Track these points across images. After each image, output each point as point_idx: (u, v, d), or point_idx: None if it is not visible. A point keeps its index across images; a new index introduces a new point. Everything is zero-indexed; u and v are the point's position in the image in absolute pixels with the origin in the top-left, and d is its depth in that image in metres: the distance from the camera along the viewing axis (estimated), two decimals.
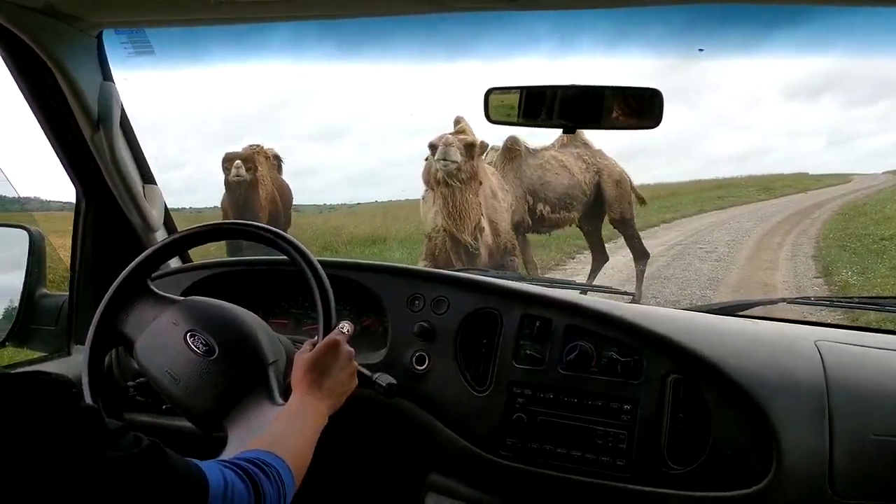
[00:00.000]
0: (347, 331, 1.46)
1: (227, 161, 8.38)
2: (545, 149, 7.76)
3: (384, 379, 1.52)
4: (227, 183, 8.39)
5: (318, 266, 1.51)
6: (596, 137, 8.15)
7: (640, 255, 8.09)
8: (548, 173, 7.53)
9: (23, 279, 1.99)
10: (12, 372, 0.78)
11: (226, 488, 0.94)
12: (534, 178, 7.44)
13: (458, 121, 7.01)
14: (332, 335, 1.40)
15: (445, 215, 6.31)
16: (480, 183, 6.50)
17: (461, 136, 6.26)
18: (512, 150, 7.41)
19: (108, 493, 0.79)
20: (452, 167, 6.14)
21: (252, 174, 8.35)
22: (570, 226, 8.14)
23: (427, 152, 6.63)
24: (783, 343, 1.54)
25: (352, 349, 1.40)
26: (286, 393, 1.35)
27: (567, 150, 7.83)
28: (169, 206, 2.12)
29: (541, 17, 1.52)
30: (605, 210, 7.93)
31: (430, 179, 6.48)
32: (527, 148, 7.53)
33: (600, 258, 8.45)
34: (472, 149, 6.25)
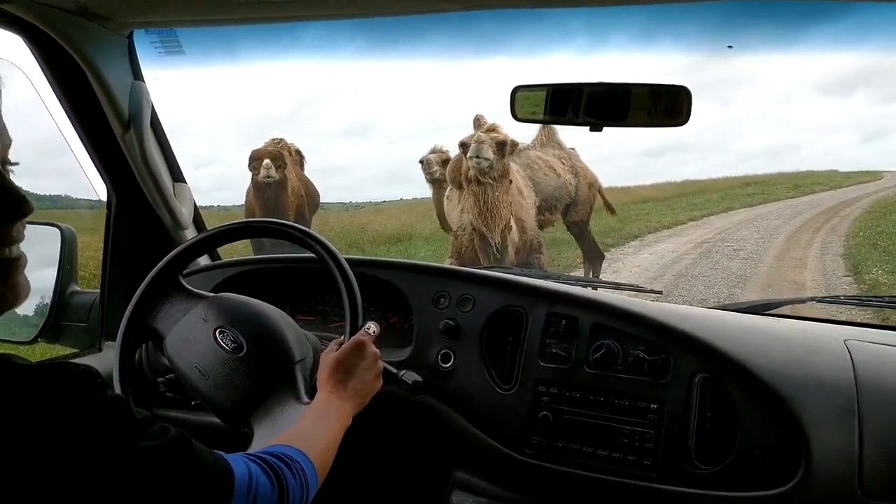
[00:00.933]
0: (374, 331, 1.46)
1: (255, 160, 8.15)
2: (527, 149, 7.87)
3: (410, 376, 1.53)
4: (255, 183, 8.20)
5: (346, 265, 1.52)
6: (569, 137, 8.26)
7: (597, 256, 8.37)
8: (537, 173, 7.64)
9: (55, 276, 2.02)
10: (41, 362, 0.79)
11: (250, 481, 0.95)
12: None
13: (477, 119, 7.03)
14: (359, 335, 1.40)
15: (476, 214, 6.32)
16: (510, 181, 6.51)
17: (493, 135, 6.27)
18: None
19: (136, 481, 0.80)
20: (485, 165, 6.15)
21: (281, 173, 8.14)
22: (552, 226, 8.25)
23: (453, 150, 6.71)
24: (812, 342, 1.52)
25: (377, 350, 1.41)
26: (312, 391, 1.36)
27: (547, 150, 7.95)
28: (197, 204, 2.14)
29: (571, 13, 1.51)
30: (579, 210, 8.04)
31: (460, 177, 6.48)
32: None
33: (596, 257, 8.48)
34: (503, 147, 6.26)
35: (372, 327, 1.47)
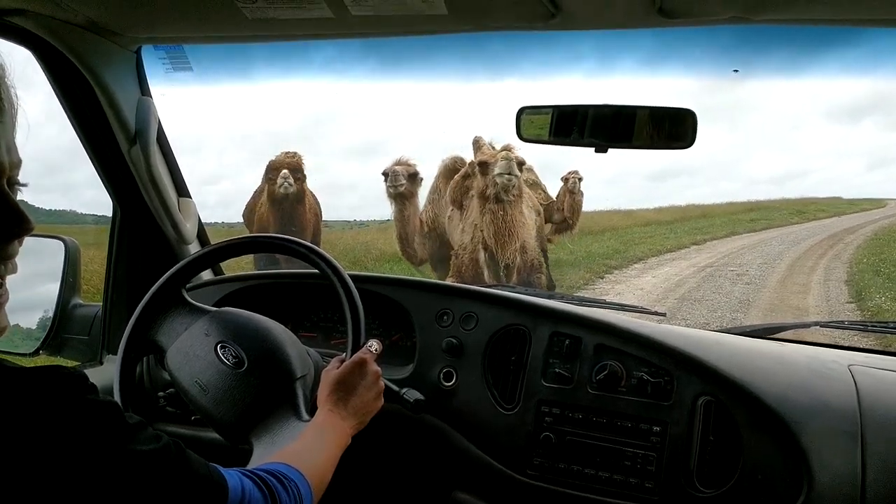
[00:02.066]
0: (376, 350, 1.45)
1: (273, 170, 7.98)
2: None
3: (411, 394, 1.53)
4: (271, 195, 7.96)
5: (350, 283, 1.51)
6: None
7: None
8: None
9: (58, 289, 2.02)
10: (33, 367, 0.78)
11: (243, 496, 0.94)
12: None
13: (476, 141, 7.06)
14: (360, 354, 1.40)
15: (493, 233, 6.29)
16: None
17: (513, 154, 6.27)
18: (456, 169, 7.48)
19: (126, 486, 0.80)
20: (515, 181, 6.15)
21: (299, 185, 7.94)
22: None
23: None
24: (815, 367, 1.51)
25: (378, 369, 1.41)
26: (313, 409, 1.36)
27: None
28: (203, 221, 2.14)
29: (582, 36, 1.53)
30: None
31: (462, 197, 6.47)
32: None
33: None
34: (521, 166, 6.29)
35: (374, 345, 1.46)
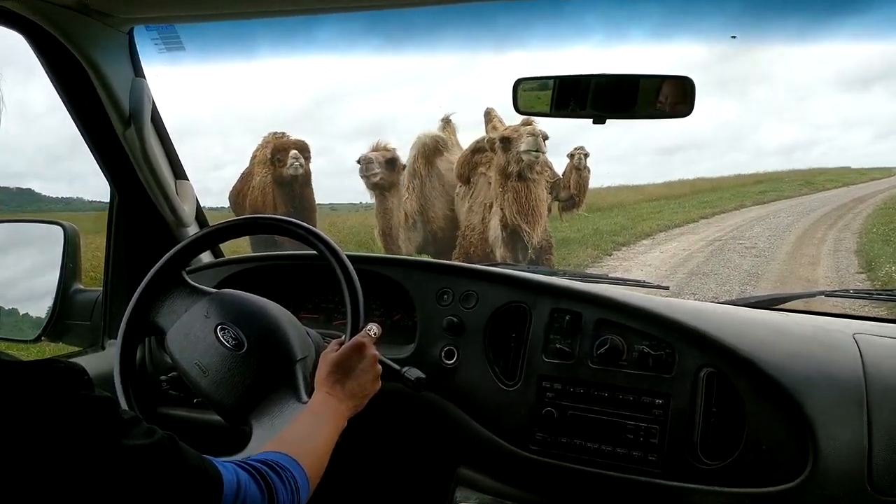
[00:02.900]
0: (375, 333, 1.45)
1: (281, 151, 7.50)
2: (453, 146, 7.45)
3: (413, 373, 1.52)
4: (279, 177, 7.52)
5: (349, 265, 1.51)
6: (581, 137, 7.85)
7: None
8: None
9: (58, 275, 2.02)
10: (29, 360, 0.78)
11: (238, 488, 0.95)
12: (446, 179, 7.18)
13: (488, 113, 6.91)
14: (359, 337, 1.40)
15: (517, 211, 6.10)
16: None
17: (538, 128, 6.03)
18: (437, 149, 7.10)
19: (120, 480, 0.80)
20: (542, 158, 5.99)
21: (307, 165, 7.50)
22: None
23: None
24: (819, 336, 1.50)
25: (377, 353, 1.41)
26: (312, 391, 1.35)
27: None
28: (209, 206, 2.13)
29: (589, 7, 1.49)
30: None
31: (469, 172, 6.31)
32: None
33: None
34: (545, 141, 6.08)
35: (373, 329, 1.46)
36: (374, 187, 6.95)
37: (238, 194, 8.30)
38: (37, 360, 0.78)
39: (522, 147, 5.87)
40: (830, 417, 1.32)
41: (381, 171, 6.82)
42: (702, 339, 1.47)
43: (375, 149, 6.96)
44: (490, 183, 6.45)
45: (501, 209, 6.20)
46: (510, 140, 5.98)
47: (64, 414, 0.76)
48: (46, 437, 0.74)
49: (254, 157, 8.06)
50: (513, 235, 6.25)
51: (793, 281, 8.29)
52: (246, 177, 8.22)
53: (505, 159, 6.03)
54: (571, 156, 7.71)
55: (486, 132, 7.14)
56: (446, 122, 7.38)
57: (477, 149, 6.62)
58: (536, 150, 5.86)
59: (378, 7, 1.57)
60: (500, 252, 6.32)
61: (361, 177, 6.89)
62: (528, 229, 6.13)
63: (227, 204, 8.55)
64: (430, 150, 7.08)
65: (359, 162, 6.96)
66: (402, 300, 1.82)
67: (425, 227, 7.23)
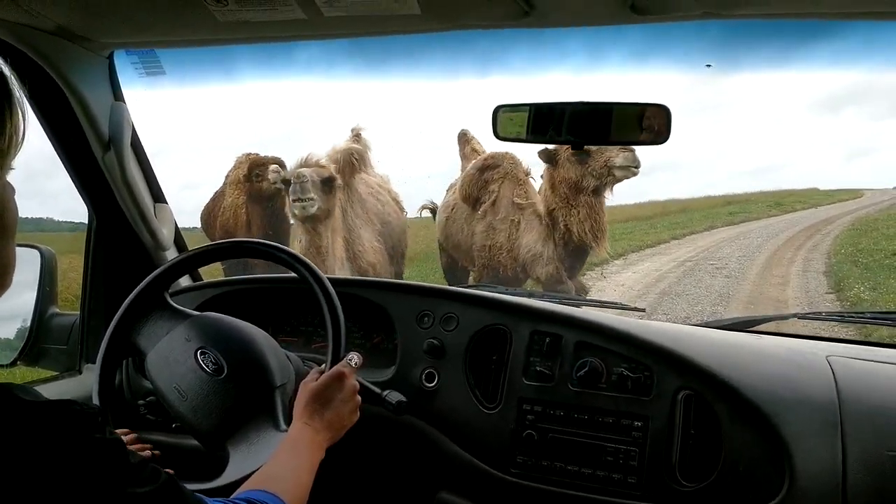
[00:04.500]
0: (356, 363, 1.44)
1: (259, 166, 7.17)
2: (371, 176, 6.67)
3: (394, 396, 1.52)
4: (256, 193, 7.26)
5: (333, 293, 1.51)
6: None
7: None
8: (379, 202, 6.52)
9: (35, 299, 1.99)
10: (46, 400, 0.79)
11: None
12: (369, 205, 6.35)
13: (464, 134, 6.85)
14: (339, 367, 1.39)
15: (588, 228, 5.81)
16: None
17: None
18: (354, 165, 5.95)
19: None
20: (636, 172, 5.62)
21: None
22: None
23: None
24: (794, 358, 1.53)
25: (356, 384, 1.41)
26: (291, 419, 1.35)
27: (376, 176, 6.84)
28: (182, 226, 2.13)
29: (568, 31, 1.53)
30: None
31: (564, 187, 5.77)
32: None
33: None
34: None
35: (354, 358, 1.45)
36: (308, 220, 5.35)
37: (209, 214, 8.20)
38: (55, 401, 0.79)
39: (619, 161, 5.47)
40: (806, 439, 1.35)
41: (318, 195, 5.28)
42: (679, 362, 1.49)
43: (306, 164, 5.48)
44: (514, 200, 6.19)
45: (565, 225, 5.86)
46: (589, 153, 5.60)
47: (75, 458, 0.77)
48: (57, 479, 0.74)
49: (226, 177, 7.98)
50: (576, 251, 6.00)
51: (763, 301, 8.39)
52: (218, 197, 8.13)
53: (578, 173, 5.65)
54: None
55: (464, 154, 7.06)
56: (356, 137, 6.23)
57: (485, 166, 6.39)
58: (636, 166, 5.51)
59: (357, 35, 1.59)
60: (543, 269, 6.03)
61: (293, 202, 5.26)
62: (595, 245, 5.90)
63: (198, 223, 8.40)
64: (348, 165, 5.83)
65: (285, 182, 5.51)
66: (383, 322, 1.82)
67: (353, 264, 5.82)
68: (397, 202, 6.89)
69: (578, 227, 5.81)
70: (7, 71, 0.85)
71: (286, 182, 5.44)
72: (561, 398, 1.56)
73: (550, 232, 6.01)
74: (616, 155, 5.52)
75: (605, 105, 1.54)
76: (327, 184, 5.36)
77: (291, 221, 5.82)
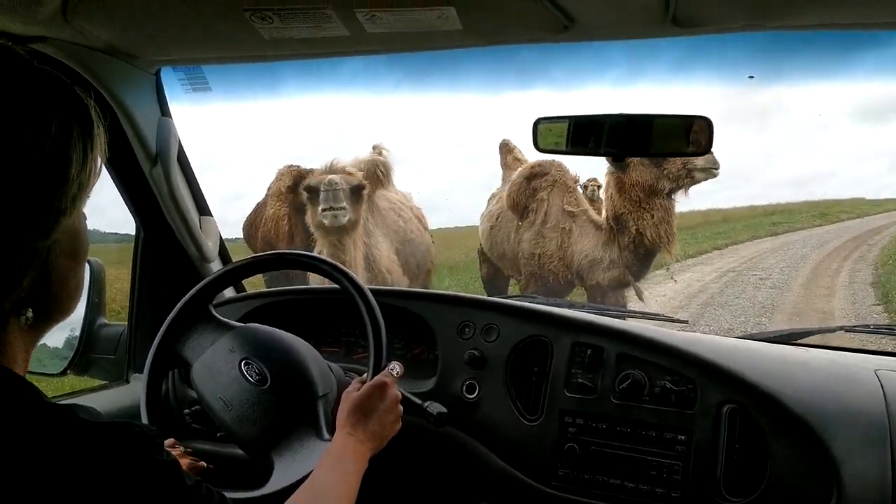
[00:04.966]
0: (398, 373, 1.45)
1: (301, 177, 6.29)
2: (391, 193, 6.42)
3: (435, 408, 1.53)
4: (299, 204, 6.26)
5: (374, 303, 1.52)
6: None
7: None
8: (401, 219, 6.33)
9: (84, 309, 2.04)
10: (107, 421, 0.80)
11: None
12: (389, 220, 6.15)
13: (505, 144, 6.82)
14: (382, 376, 1.40)
15: (664, 231, 5.66)
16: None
17: None
18: (379, 179, 5.74)
19: None
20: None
21: None
22: None
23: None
24: (842, 372, 1.50)
25: (399, 393, 1.41)
26: (333, 428, 1.36)
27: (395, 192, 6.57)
28: (227, 237, 2.16)
29: (608, 44, 1.53)
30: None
31: (642, 191, 5.59)
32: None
33: None
34: None
35: (396, 368, 1.46)
36: (335, 231, 4.99)
37: (251, 226, 8.28)
38: (116, 423, 0.80)
39: (700, 163, 5.31)
40: (854, 453, 1.32)
41: (347, 207, 4.92)
42: (724, 375, 1.48)
43: (331, 169, 5.18)
44: (565, 208, 6.14)
45: (637, 229, 5.67)
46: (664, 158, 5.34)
47: (135, 480, 0.78)
48: (117, 501, 0.76)
49: (268, 189, 8.04)
50: (645, 255, 5.83)
51: (808, 313, 8.23)
52: (259, 209, 8.21)
53: (653, 176, 5.50)
54: (584, 187, 7.66)
55: (506, 163, 7.03)
56: (378, 153, 5.98)
57: (533, 174, 6.33)
58: (716, 167, 5.39)
59: (399, 51, 1.61)
60: (606, 274, 5.93)
61: (322, 211, 4.91)
62: (667, 248, 5.76)
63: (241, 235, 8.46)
64: (372, 177, 5.55)
65: (310, 190, 5.11)
66: (424, 333, 1.83)
67: (370, 274, 5.52)
68: (420, 219, 6.77)
69: (652, 230, 5.64)
70: (90, 104, 0.89)
71: (311, 189, 5.08)
72: (603, 411, 1.56)
73: (613, 237, 5.86)
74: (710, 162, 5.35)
75: (644, 117, 1.54)
76: (356, 192, 5.07)
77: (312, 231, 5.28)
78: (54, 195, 0.81)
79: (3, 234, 0.77)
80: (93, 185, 0.88)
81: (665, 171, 5.44)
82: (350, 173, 5.18)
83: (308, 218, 5.34)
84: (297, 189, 6.47)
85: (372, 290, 1.56)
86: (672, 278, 9.25)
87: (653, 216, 5.63)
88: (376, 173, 5.61)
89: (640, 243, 5.72)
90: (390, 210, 6.23)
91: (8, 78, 0.80)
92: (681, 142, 1.54)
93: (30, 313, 0.84)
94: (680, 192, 5.58)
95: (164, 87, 1.86)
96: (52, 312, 0.89)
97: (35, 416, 0.76)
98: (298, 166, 7.65)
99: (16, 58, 0.82)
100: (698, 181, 5.45)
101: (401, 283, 5.93)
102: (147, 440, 0.82)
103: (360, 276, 5.06)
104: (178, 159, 1.91)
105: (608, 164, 5.73)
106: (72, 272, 0.89)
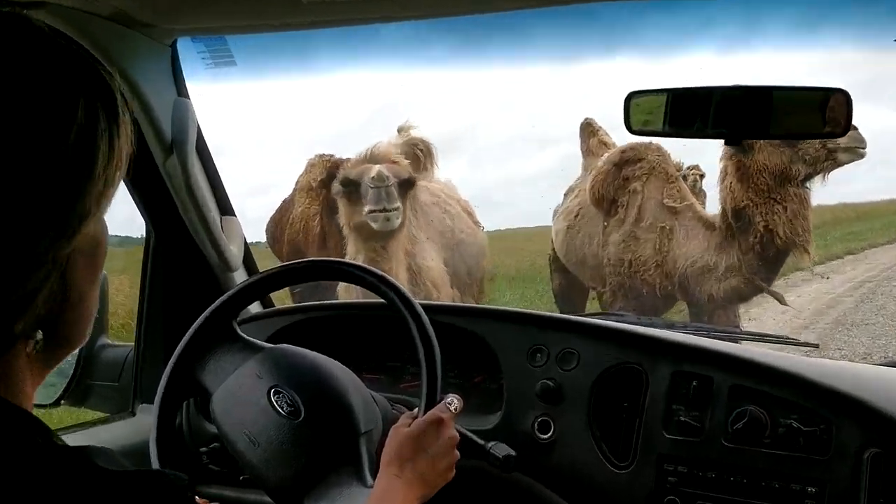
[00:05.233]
0: (456, 408, 1.42)
1: (336, 169, 6.34)
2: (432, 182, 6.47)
3: (500, 449, 1.51)
4: (334, 201, 6.32)
5: (427, 322, 1.50)
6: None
7: None
8: (447, 215, 6.36)
9: None
10: (133, 470, 0.79)
11: None
12: (434, 217, 6.18)
13: (588, 124, 6.76)
14: (437, 411, 1.39)
15: (800, 227, 5.42)
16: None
17: None
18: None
19: None
20: None
21: None
22: None
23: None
24: None
25: (457, 434, 1.40)
26: (377, 471, 1.36)
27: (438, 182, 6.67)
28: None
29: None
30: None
31: (771, 180, 5.39)
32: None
33: None
34: None
35: (455, 403, 1.44)
36: (384, 237, 5.03)
37: (276, 226, 8.33)
38: (143, 472, 0.79)
39: (844, 141, 4.99)
40: None
41: (398, 200, 4.94)
42: (866, 412, 1.44)
43: (372, 159, 5.18)
44: (665, 202, 6.00)
45: (765, 226, 5.44)
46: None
47: None
48: None
49: (297, 183, 8.09)
50: (774, 258, 5.61)
51: None
52: (286, 206, 8.26)
53: (786, 159, 5.30)
54: (685, 177, 7.49)
55: (588, 148, 6.94)
56: (406, 132, 6.02)
57: (625, 160, 6.21)
58: (863, 147, 5.11)
59: (455, 13, 1.60)
60: (721, 285, 5.71)
61: (371, 212, 4.86)
62: (804, 249, 5.53)
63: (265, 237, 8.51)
64: (411, 161, 5.52)
65: (347, 184, 5.09)
66: (486, 358, 1.82)
67: (416, 284, 5.48)
68: (470, 214, 6.73)
69: (786, 227, 5.39)
70: (115, 85, 0.86)
71: (349, 183, 5.06)
72: (712, 457, 1.53)
73: (732, 236, 5.65)
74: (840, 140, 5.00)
75: (763, 89, 1.50)
76: (404, 188, 5.05)
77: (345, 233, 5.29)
78: (78, 194, 0.79)
79: (19, 243, 0.75)
80: (118, 183, 0.87)
81: (800, 153, 5.18)
82: (395, 161, 5.14)
83: (342, 217, 5.34)
84: (330, 183, 6.45)
85: (423, 306, 1.55)
86: (823, 276, 8.94)
87: (786, 208, 5.37)
88: (416, 155, 5.59)
89: (769, 243, 5.47)
90: (434, 205, 6.23)
91: (24, 52, 0.76)
92: (813, 120, 1.49)
93: (39, 335, 0.82)
94: (818, 178, 5.33)
95: (181, 62, 1.87)
96: (68, 335, 0.87)
97: (44, 461, 0.75)
98: (332, 156, 7.66)
99: (30, 28, 0.78)
100: (841, 164, 5.20)
101: (450, 297, 5.84)
102: (179, 493, 0.81)
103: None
104: (197, 148, 1.91)
105: (724, 148, 5.53)
106: (90, 286, 0.88)
